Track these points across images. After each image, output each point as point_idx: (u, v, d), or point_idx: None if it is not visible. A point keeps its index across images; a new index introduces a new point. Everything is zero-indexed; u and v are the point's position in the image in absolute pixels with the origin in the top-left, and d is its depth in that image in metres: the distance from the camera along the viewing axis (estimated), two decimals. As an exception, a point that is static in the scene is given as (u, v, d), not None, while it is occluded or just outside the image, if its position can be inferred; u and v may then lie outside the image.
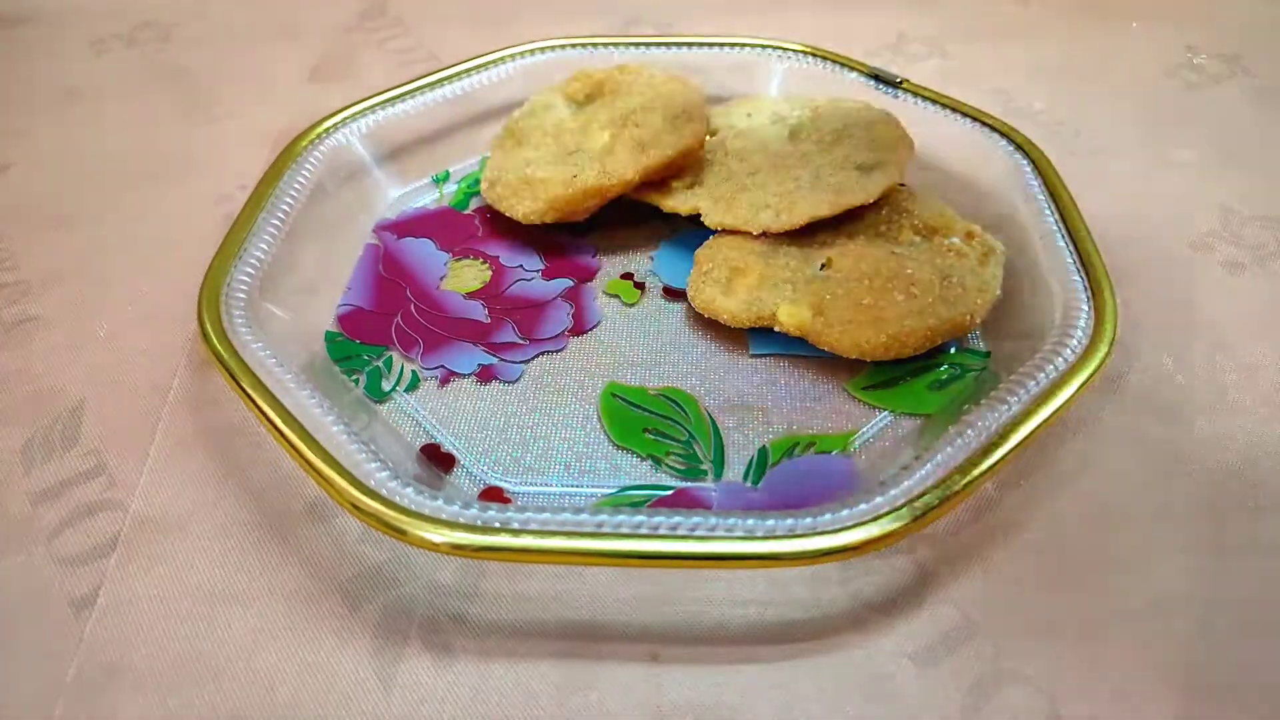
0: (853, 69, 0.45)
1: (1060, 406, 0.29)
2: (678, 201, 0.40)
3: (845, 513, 0.26)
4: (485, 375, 0.35)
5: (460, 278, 0.40)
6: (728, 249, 0.37)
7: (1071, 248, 0.35)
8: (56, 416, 0.35)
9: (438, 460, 0.32)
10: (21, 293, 0.40)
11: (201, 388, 0.35)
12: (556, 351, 0.36)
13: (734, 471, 0.32)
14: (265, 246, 0.37)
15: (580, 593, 0.29)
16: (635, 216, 0.42)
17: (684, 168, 0.40)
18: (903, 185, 0.38)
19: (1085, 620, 0.28)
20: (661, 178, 0.40)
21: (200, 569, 0.30)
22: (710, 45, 0.48)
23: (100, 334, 0.38)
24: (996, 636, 0.27)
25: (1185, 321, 0.37)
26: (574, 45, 0.48)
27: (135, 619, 0.28)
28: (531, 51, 0.48)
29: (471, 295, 0.39)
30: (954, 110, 0.42)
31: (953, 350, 0.35)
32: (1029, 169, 0.39)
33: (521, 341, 0.37)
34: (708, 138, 0.42)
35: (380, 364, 0.36)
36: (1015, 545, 0.30)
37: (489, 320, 0.38)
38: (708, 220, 0.38)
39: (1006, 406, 0.29)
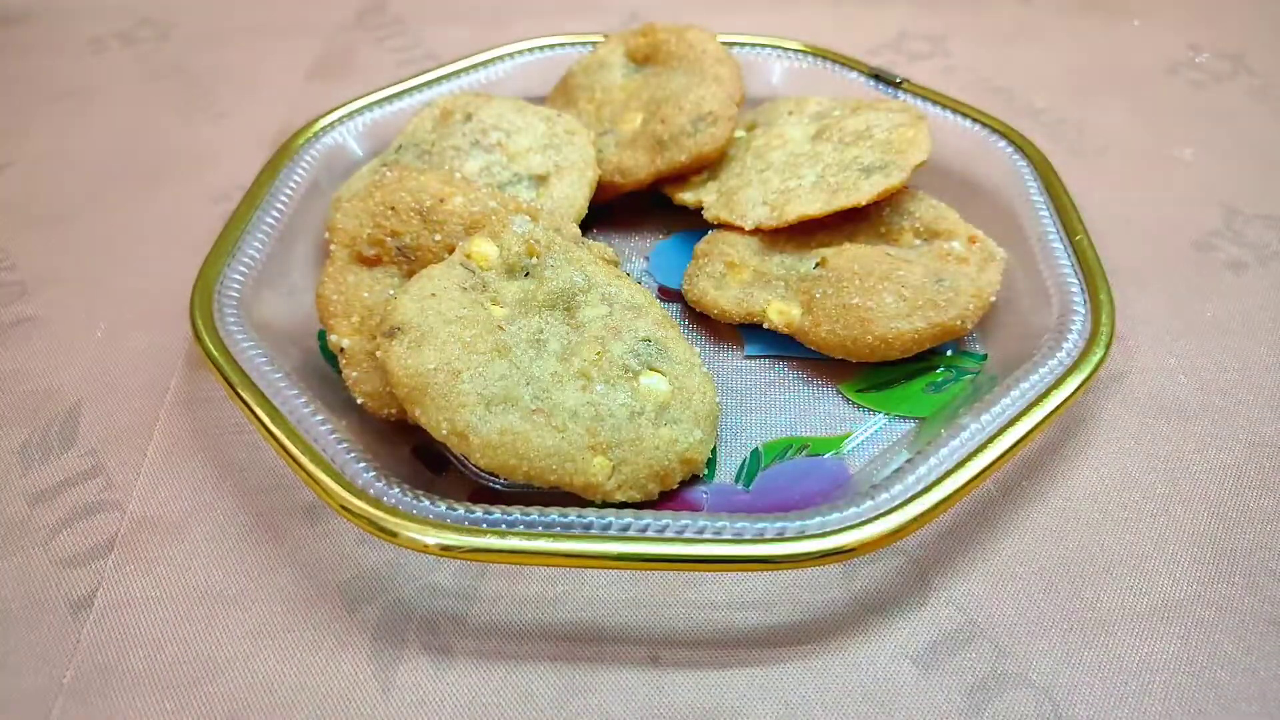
0: (853, 69, 0.45)
1: (1055, 409, 0.29)
2: (688, 194, 0.40)
3: (835, 516, 0.26)
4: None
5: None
6: (726, 244, 0.37)
7: (1069, 249, 0.35)
8: (54, 417, 0.35)
9: (429, 461, 0.32)
10: (19, 293, 0.40)
11: (199, 388, 0.35)
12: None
13: (726, 473, 0.32)
14: (260, 245, 0.36)
15: (580, 595, 0.29)
16: (632, 216, 0.42)
17: (702, 166, 0.40)
18: (909, 188, 0.38)
19: (1087, 621, 0.27)
20: (676, 175, 0.40)
21: (198, 570, 0.29)
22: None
23: (98, 334, 0.38)
24: (998, 638, 0.27)
25: (1188, 321, 0.37)
26: (572, 44, 0.48)
27: (133, 620, 0.28)
28: (529, 50, 0.48)
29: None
30: (954, 110, 0.42)
31: (949, 352, 0.35)
32: (1028, 170, 0.39)
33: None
34: (741, 132, 0.42)
35: (378, 364, 0.36)
36: (1017, 546, 0.29)
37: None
38: (707, 214, 0.38)
39: (1001, 409, 0.29)
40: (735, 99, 0.40)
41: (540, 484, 0.28)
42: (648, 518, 0.27)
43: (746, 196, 0.38)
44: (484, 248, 0.32)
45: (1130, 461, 0.32)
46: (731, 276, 0.36)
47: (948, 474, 0.27)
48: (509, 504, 0.27)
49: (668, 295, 0.39)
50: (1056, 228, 0.36)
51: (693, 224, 0.40)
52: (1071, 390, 0.29)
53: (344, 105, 0.43)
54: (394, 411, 0.31)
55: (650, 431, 0.30)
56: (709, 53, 0.41)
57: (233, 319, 0.33)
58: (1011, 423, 0.28)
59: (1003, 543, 0.30)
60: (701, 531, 0.26)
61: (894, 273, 0.33)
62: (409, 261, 0.33)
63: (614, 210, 0.42)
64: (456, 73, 0.46)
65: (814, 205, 0.36)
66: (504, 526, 0.26)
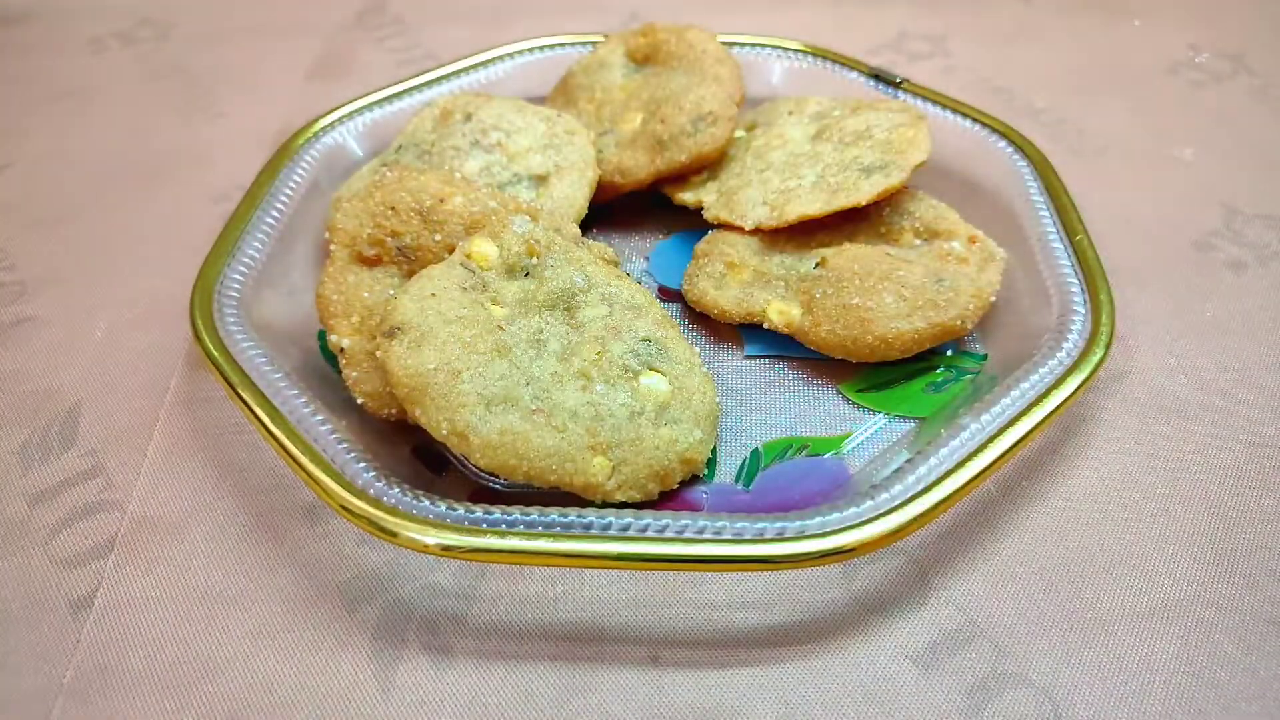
0: (853, 69, 0.45)
1: (1055, 409, 0.29)
2: (688, 194, 0.40)
3: (835, 516, 0.26)
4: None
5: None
6: (726, 244, 0.37)
7: (1069, 249, 0.35)
8: (54, 417, 0.35)
9: (429, 461, 0.32)
10: (19, 293, 0.40)
11: (199, 388, 0.35)
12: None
13: (726, 473, 0.32)
14: (259, 245, 0.36)
15: (580, 595, 0.29)
16: (632, 216, 0.42)
17: (702, 166, 0.40)
18: (909, 188, 0.38)
19: (1087, 621, 0.27)
20: (675, 175, 0.40)
21: (198, 570, 0.29)
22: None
23: (98, 334, 0.38)
24: (998, 638, 0.27)
25: (1188, 321, 0.37)
26: (572, 44, 0.48)
27: (133, 620, 0.28)
28: (529, 50, 0.48)
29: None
30: (954, 110, 0.42)
31: (949, 352, 0.35)
32: (1028, 170, 0.39)
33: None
34: (741, 132, 0.42)
35: (378, 364, 0.36)
36: (1017, 546, 0.29)
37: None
38: (707, 214, 0.38)
39: (1001, 409, 0.29)
40: (735, 99, 0.40)
41: (540, 484, 0.28)
42: (648, 518, 0.27)
43: (746, 196, 0.38)
44: (484, 248, 0.32)
45: (1130, 461, 0.32)
46: (731, 276, 0.36)
47: (948, 474, 0.27)
48: (509, 504, 0.27)
49: (668, 295, 0.39)
50: (1056, 228, 0.36)
51: (693, 224, 0.40)
52: (1071, 390, 0.29)
53: (344, 105, 0.43)
54: (394, 411, 0.31)
55: (650, 431, 0.30)
56: (709, 53, 0.41)
57: (233, 319, 0.33)
58: (1011, 423, 0.28)
59: (1003, 543, 0.30)
60: (701, 531, 0.26)
61: (894, 273, 0.33)
62: (409, 261, 0.33)
63: (614, 210, 0.42)
64: (456, 73, 0.46)
65: (814, 205, 0.36)
66: (504, 526, 0.26)
